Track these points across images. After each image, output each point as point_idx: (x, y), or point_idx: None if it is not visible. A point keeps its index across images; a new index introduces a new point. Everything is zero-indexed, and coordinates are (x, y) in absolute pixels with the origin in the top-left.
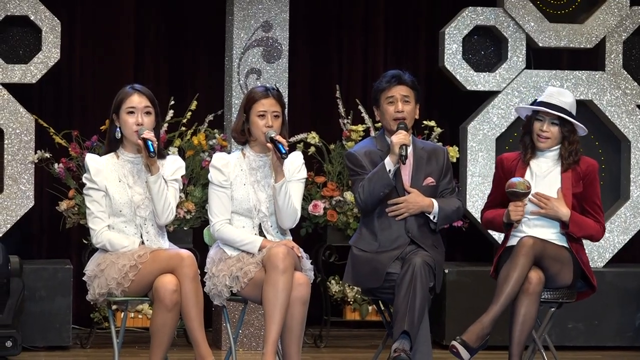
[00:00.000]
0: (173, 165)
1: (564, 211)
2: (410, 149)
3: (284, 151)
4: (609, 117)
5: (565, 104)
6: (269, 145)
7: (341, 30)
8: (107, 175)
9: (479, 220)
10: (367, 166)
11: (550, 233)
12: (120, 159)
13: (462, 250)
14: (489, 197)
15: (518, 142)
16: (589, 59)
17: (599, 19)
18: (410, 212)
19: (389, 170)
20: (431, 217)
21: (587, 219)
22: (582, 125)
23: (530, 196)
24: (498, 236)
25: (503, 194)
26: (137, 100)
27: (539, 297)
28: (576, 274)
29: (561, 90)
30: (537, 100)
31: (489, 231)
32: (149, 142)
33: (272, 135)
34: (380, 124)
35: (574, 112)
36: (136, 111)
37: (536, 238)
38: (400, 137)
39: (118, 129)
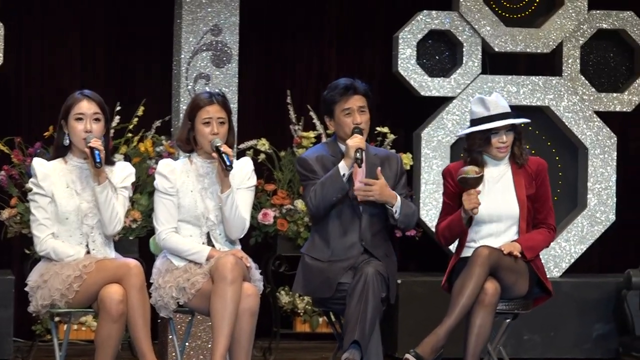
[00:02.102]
0: (123, 172)
1: (517, 247)
2: (363, 155)
3: (228, 163)
4: (566, 123)
5: (507, 107)
6: (214, 155)
7: (293, 35)
8: (55, 181)
9: (433, 230)
10: (318, 171)
11: (503, 242)
12: (68, 164)
13: (416, 261)
14: (441, 212)
15: (465, 160)
16: (546, 64)
17: (556, 24)
18: (377, 198)
19: (343, 175)
20: (394, 210)
21: (536, 235)
22: (525, 120)
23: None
24: (452, 246)
25: (455, 207)
26: (86, 107)
27: (495, 308)
28: (532, 283)
29: (496, 96)
30: (478, 116)
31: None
32: (96, 152)
33: (218, 145)
34: (331, 130)
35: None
36: (85, 118)
37: (492, 248)
38: (355, 141)
39: (67, 135)
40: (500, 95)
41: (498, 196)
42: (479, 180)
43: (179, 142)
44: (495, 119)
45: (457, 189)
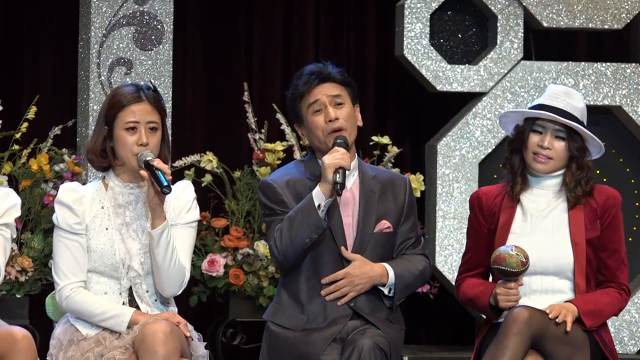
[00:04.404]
0: (2, 204)
1: (572, 310)
2: (355, 178)
3: (165, 183)
4: None
5: (576, 109)
6: (144, 173)
7: (252, 5)
8: None
9: (454, 284)
10: (289, 202)
11: (555, 302)
12: None
13: (430, 328)
14: (464, 257)
15: (501, 168)
16: (616, 45)
17: None
18: (359, 290)
19: (319, 206)
20: (385, 290)
21: (600, 296)
22: (598, 141)
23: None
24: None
25: (484, 250)
26: None
27: None
28: None
29: (569, 91)
30: (534, 104)
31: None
32: None
33: (149, 159)
34: (305, 142)
35: (585, 124)
36: None
37: (534, 310)
38: (335, 157)
39: None
40: (579, 94)
41: (545, 239)
42: (522, 273)
43: (90, 155)
44: (547, 110)
45: (488, 225)
